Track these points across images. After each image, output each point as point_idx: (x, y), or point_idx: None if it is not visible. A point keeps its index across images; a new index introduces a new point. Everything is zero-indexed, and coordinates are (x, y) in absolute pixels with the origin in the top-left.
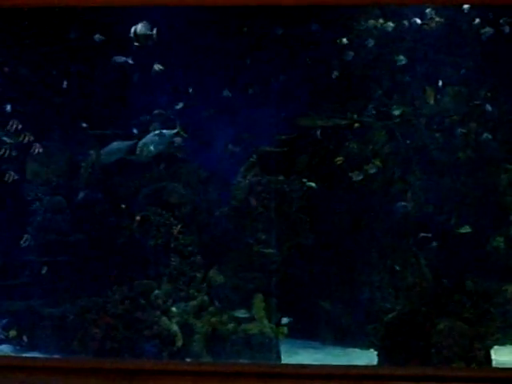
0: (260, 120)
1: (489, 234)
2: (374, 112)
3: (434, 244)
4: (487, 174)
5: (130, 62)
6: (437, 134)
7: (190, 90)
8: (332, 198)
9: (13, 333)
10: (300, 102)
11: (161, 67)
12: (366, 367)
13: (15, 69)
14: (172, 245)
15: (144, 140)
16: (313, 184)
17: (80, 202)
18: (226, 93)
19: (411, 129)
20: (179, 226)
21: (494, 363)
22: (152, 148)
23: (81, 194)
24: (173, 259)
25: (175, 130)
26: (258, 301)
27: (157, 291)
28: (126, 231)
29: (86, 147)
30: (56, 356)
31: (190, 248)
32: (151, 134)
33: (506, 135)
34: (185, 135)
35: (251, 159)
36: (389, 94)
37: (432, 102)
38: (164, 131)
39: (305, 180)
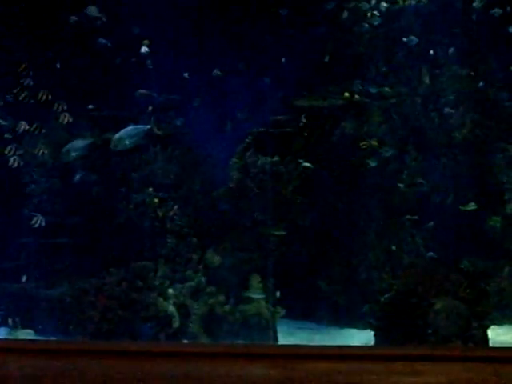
0: (255, 101)
1: (485, 213)
2: (370, 91)
3: (431, 224)
4: (483, 153)
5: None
6: (432, 114)
7: (186, 74)
8: (328, 178)
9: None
10: (295, 82)
11: (147, 49)
12: (362, 347)
13: (11, 50)
14: (168, 226)
15: (118, 134)
16: (309, 164)
17: (76, 184)
18: (217, 73)
19: (407, 109)
20: (175, 207)
21: (490, 343)
22: (127, 142)
23: (77, 176)
24: (169, 240)
25: (149, 126)
26: (255, 282)
27: (153, 273)
28: (123, 213)
29: (82, 128)
30: (53, 338)
31: (186, 229)
32: (126, 129)
33: (501, 114)
34: (158, 132)
35: (247, 140)
36: (384, 73)
37: (427, 81)
38: (138, 126)
39: (301, 161)
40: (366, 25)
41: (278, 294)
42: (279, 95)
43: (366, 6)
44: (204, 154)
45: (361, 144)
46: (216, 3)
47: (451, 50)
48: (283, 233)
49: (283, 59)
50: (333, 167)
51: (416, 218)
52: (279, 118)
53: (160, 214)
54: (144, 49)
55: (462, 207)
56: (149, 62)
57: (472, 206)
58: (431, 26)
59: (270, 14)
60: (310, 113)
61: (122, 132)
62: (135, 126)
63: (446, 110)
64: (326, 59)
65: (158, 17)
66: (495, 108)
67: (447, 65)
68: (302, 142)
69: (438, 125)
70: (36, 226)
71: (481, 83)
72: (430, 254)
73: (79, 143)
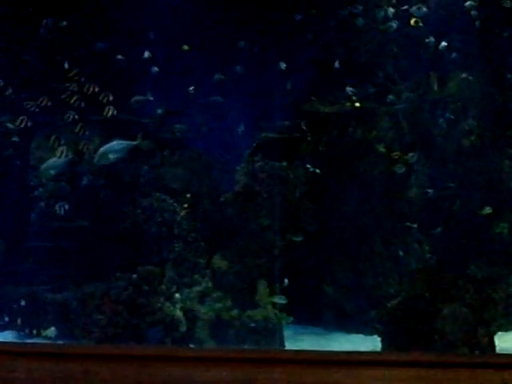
0: (264, 106)
1: (492, 219)
2: (377, 97)
3: (438, 230)
4: (490, 159)
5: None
6: (440, 120)
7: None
8: (336, 184)
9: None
10: (304, 87)
11: (150, 54)
12: (369, 353)
13: (17, 53)
14: (176, 231)
15: (103, 148)
16: (317, 170)
17: (84, 188)
18: (221, 77)
19: (415, 114)
20: (183, 212)
21: (497, 349)
22: (110, 157)
23: (84, 180)
24: (176, 245)
25: (135, 142)
26: (262, 287)
27: (160, 277)
28: (130, 217)
29: (89, 133)
30: (60, 342)
31: (193, 234)
32: (111, 143)
33: (509, 121)
34: (145, 148)
35: (254, 145)
36: (393, 79)
37: (436, 87)
38: (123, 141)
39: (308, 166)
40: (379, 32)
41: (286, 281)
42: (288, 100)
43: (381, 13)
44: (212, 158)
45: (392, 154)
46: (228, 5)
47: (460, 55)
48: (300, 239)
49: (291, 64)
50: (340, 173)
51: (415, 225)
52: (287, 123)
53: (167, 218)
54: (147, 54)
55: (479, 211)
56: (156, 68)
57: (488, 210)
58: (441, 32)
59: (284, 19)
60: (318, 118)
61: (107, 146)
62: (120, 141)
63: (454, 116)
64: (337, 65)
65: (167, 22)
66: (503, 114)
67: (455, 70)
68: (310, 147)
69: (446, 131)
70: (61, 213)
71: (489, 89)
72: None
73: (118, 145)
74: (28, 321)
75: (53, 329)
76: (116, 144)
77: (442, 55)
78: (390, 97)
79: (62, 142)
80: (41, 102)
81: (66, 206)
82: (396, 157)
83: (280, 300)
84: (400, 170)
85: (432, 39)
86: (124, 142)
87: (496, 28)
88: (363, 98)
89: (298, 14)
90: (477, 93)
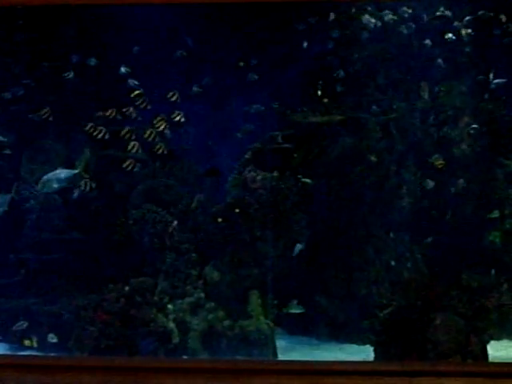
0: (254, 117)
1: (485, 228)
2: (369, 108)
3: (430, 239)
4: (482, 168)
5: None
6: (431, 129)
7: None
8: (327, 193)
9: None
10: (294, 98)
11: (128, 69)
12: (362, 363)
13: (8, 66)
14: (168, 242)
15: (47, 176)
16: (308, 180)
17: (75, 200)
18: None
19: (406, 124)
20: (175, 223)
21: (490, 358)
22: (55, 185)
23: (76, 192)
24: (168, 256)
25: (76, 171)
26: (254, 297)
27: (153, 288)
28: (122, 229)
29: (80, 145)
30: (52, 354)
31: (185, 245)
32: (54, 172)
33: (500, 129)
34: (86, 176)
35: (246, 156)
36: (383, 89)
37: (426, 96)
38: (66, 170)
39: (300, 176)
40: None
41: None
42: (278, 110)
43: (365, 19)
44: (203, 169)
45: (437, 163)
46: (223, 15)
47: (450, 64)
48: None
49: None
50: (331, 183)
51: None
52: (277, 133)
53: (159, 229)
54: (124, 69)
55: (488, 215)
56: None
57: (495, 214)
58: (429, 40)
59: (275, 29)
60: (309, 128)
61: (51, 174)
62: (63, 170)
63: (446, 125)
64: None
65: (157, 31)
66: (494, 123)
67: (446, 79)
68: (301, 158)
69: (437, 140)
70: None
71: (480, 98)
72: None
73: (60, 174)
74: (19, 333)
75: (34, 338)
76: (59, 173)
77: (432, 64)
78: (378, 107)
79: (133, 136)
80: (44, 114)
81: (94, 184)
82: (440, 166)
83: (297, 310)
84: (429, 185)
85: (423, 48)
86: (66, 171)
87: (486, 36)
88: (354, 107)
89: (290, 25)
90: (468, 102)
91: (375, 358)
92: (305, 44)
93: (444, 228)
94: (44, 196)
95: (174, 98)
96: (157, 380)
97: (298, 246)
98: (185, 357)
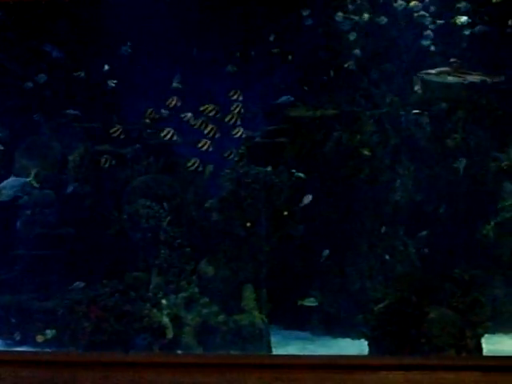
0: (248, 111)
1: (478, 222)
2: (361, 102)
3: (424, 233)
4: (476, 162)
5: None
6: (424, 123)
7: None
8: (321, 188)
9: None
10: (289, 92)
11: (114, 82)
12: (356, 357)
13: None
14: (161, 237)
15: (2, 184)
16: (301, 174)
17: (69, 196)
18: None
19: (399, 118)
20: (168, 218)
21: (484, 351)
22: (10, 192)
23: (69, 188)
24: (162, 251)
25: (28, 179)
26: (248, 292)
27: (147, 284)
28: (116, 224)
29: (74, 140)
30: (46, 350)
31: (179, 240)
32: (7, 180)
33: (494, 123)
34: (36, 185)
35: (240, 150)
36: (376, 83)
37: (419, 91)
38: (18, 178)
39: (293, 171)
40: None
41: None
42: (272, 105)
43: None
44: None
45: (502, 165)
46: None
47: (442, 58)
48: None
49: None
50: (325, 177)
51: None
52: (271, 128)
53: (153, 224)
54: (124, 49)
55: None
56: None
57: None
58: (420, 35)
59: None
60: (303, 122)
61: (4, 183)
62: (15, 178)
63: (439, 118)
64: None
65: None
66: (487, 117)
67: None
68: (294, 152)
69: (430, 134)
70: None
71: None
72: None
73: (13, 182)
74: (15, 329)
75: (48, 331)
76: (12, 181)
77: (425, 58)
78: (373, 101)
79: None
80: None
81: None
82: (505, 167)
83: (311, 303)
84: (461, 164)
85: (416, 42)
86: (19, 179)
87: (480, 30)
88: (347, 102)
89: (284, 19)
90: (461, 95)
91: (369, 352)
92: (299, 38)
93: (437, 222)
94: (37, 192)
95: None
96: (151, 375)
97: (308, 197)
98: (179, 352)
